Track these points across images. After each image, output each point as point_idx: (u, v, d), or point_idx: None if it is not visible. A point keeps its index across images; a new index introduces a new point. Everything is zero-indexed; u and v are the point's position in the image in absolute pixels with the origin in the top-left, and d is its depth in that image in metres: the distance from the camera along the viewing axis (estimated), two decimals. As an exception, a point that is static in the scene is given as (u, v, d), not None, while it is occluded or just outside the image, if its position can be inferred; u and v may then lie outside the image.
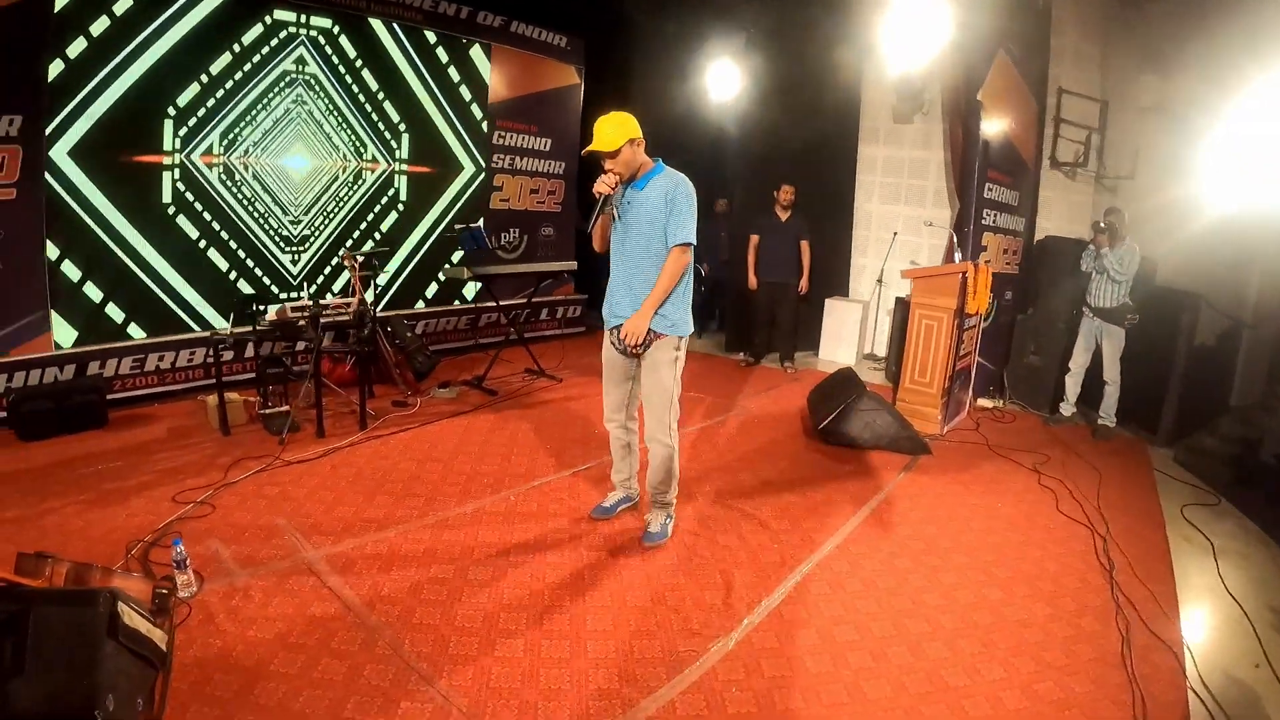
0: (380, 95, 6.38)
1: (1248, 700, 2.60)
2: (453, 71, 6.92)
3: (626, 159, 3.14)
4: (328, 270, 6.31)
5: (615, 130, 3.10)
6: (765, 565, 3.37)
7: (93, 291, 5.13)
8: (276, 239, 5.96)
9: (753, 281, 7.19)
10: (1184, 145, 5.70)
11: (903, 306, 7.20)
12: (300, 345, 5.09)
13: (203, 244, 5.58)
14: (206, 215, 5.55)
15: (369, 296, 5.29)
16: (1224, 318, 5.71)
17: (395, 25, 6.35)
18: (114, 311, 5.25)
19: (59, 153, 4.83)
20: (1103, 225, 5.54)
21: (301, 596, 2.91)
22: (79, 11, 4.75)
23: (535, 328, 8.00)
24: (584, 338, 8.28)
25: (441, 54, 6.79)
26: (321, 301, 4.72)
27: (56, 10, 4.63)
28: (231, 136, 5.56)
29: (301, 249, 6.13)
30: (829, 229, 8.03)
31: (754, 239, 7.15)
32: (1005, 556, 3.62)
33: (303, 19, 5.74)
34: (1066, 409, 6.09)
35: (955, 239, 6.09)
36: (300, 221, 6.08)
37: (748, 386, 6.76)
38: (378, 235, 6.61)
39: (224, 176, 5.58)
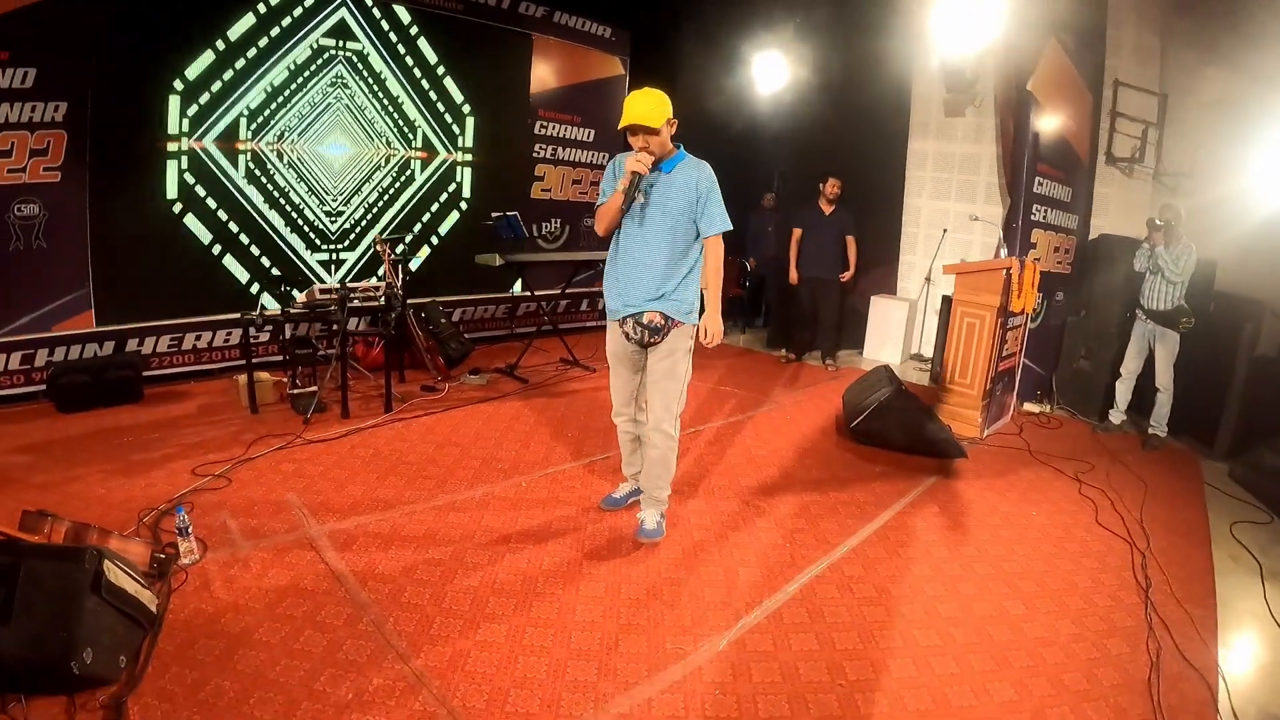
0: (441, 70, 6.55)
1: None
2: (493, 61, 6.95)
3: (664, 140, 2.99)
4: (358, 230, 6.44)
5: (657, 107, 2.93)
6: (773, 564, 3.24)
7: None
8: (320, 226, 6.13)
9: (794, 276, 7.03)
10: (1247, 142, 5.38)
11: (948, 305, 6.95)
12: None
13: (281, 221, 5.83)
14: (281, 199, 5.83)
15: (398, 281, 5.31)
16: None
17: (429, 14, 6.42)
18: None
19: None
20: (1159, 223, 5.22)
21: (298, 569, 2.93)
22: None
23: (575, 318, 8.02)
24: None
25: (482, 42, 6.82)
26: (350, 285, 4.75)
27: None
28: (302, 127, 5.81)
29: (351, 236, 6.29)
30: (876, 225, 7.82)
31: (796, 232, 6.98)
32: (1033, 569, 3.40)
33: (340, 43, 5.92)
34: (1116, 417, 5.76)
35: (1002, 235, 5.82)
36: (341, 213, 6.23)
37: (786, 383, 6.62)
38: (417, 227, 6.73)
39: (278, 162, 5.78)
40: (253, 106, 5.53)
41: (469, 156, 7.00)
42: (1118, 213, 6.70)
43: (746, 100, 8.19)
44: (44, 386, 4.81)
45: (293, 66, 5.66)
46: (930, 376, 7.08)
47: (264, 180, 5.70)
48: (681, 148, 3.13)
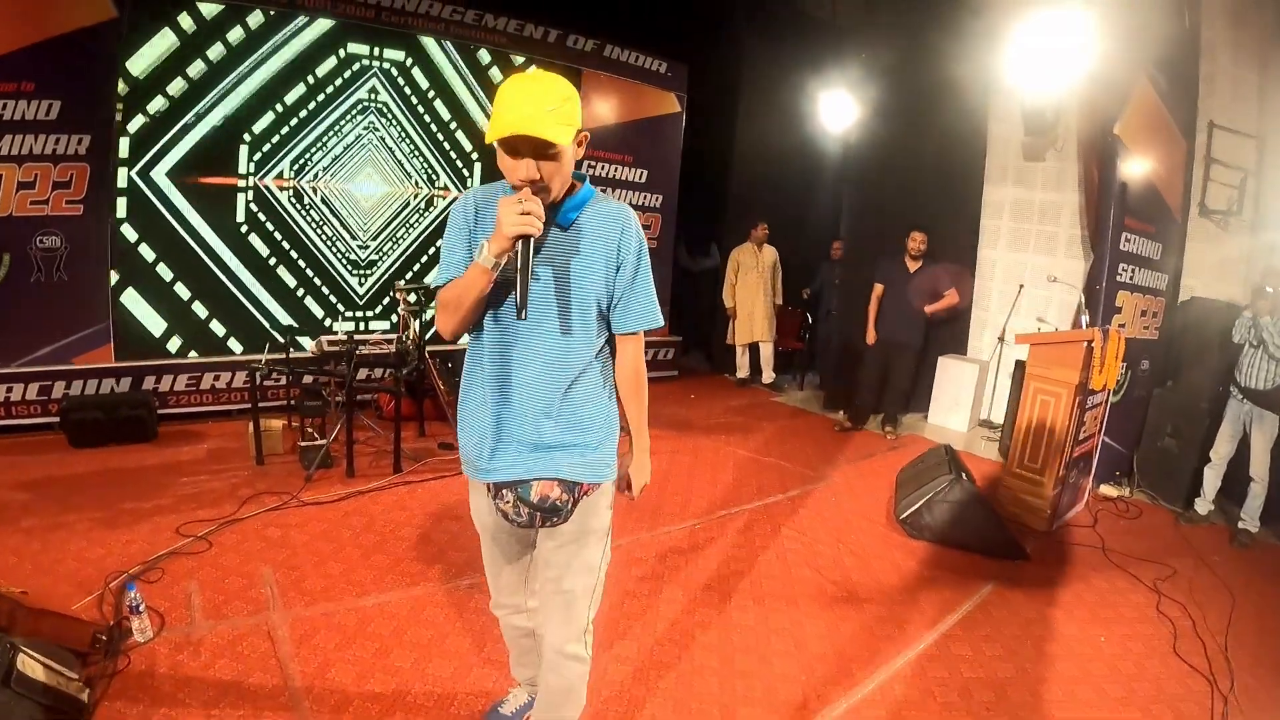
0: (453, 125, 6.27)
1: None
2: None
3: (566, 167, 1.72)
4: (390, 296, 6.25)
5: (559, 104, 1.61)
6: (780, 705, 2.74)
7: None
8: (345, 262, 5.98)
9: (871, 336, 6.42)
10: None
11: (1023, 371, 6.33)
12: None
13: (272, 261, 5.67)
14: (277, 235, 5.68)
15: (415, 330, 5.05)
16: None
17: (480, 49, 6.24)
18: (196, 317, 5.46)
19: (159, 174, 5.13)
20: (1268, 290, 4.57)
21: (248, 662, 2.67)
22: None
23: None
24: (674, 383, 7.85)
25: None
26: (358, 336, 4.51)
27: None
28: (303, 162, 5.65)
29: (368, 273, 6.08)
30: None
31: (878, 289, 6.38)
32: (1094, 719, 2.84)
33: (376, 51, 5.73)
34: (1203, 506, 5.06)
35: (1083, 299, 5.21)
36: (369, 246, 6.05)
37: (839, 454, 6.02)
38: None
39: (293, 200, 5.69)
40: (299, 150, 5.59)
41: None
42: (1210, 272, 5.97)
43: (811, 140, 7.78)
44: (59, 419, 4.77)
45: (325, 100, 5.62)
46: (1000, 449, 6.46)
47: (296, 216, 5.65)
48: (587, 180, 1.85)
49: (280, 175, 5.52)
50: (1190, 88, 5.66)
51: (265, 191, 5.50)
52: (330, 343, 4.49)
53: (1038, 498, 4.77)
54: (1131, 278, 5.42)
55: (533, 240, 1.63)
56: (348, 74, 5.63)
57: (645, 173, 7.53)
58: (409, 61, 5.87)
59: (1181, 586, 4.00)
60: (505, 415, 1.81)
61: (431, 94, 6.03)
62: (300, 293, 5.76)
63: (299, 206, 5.64)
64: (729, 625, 3.26)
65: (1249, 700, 2.98)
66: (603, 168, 7.21)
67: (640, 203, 7.59)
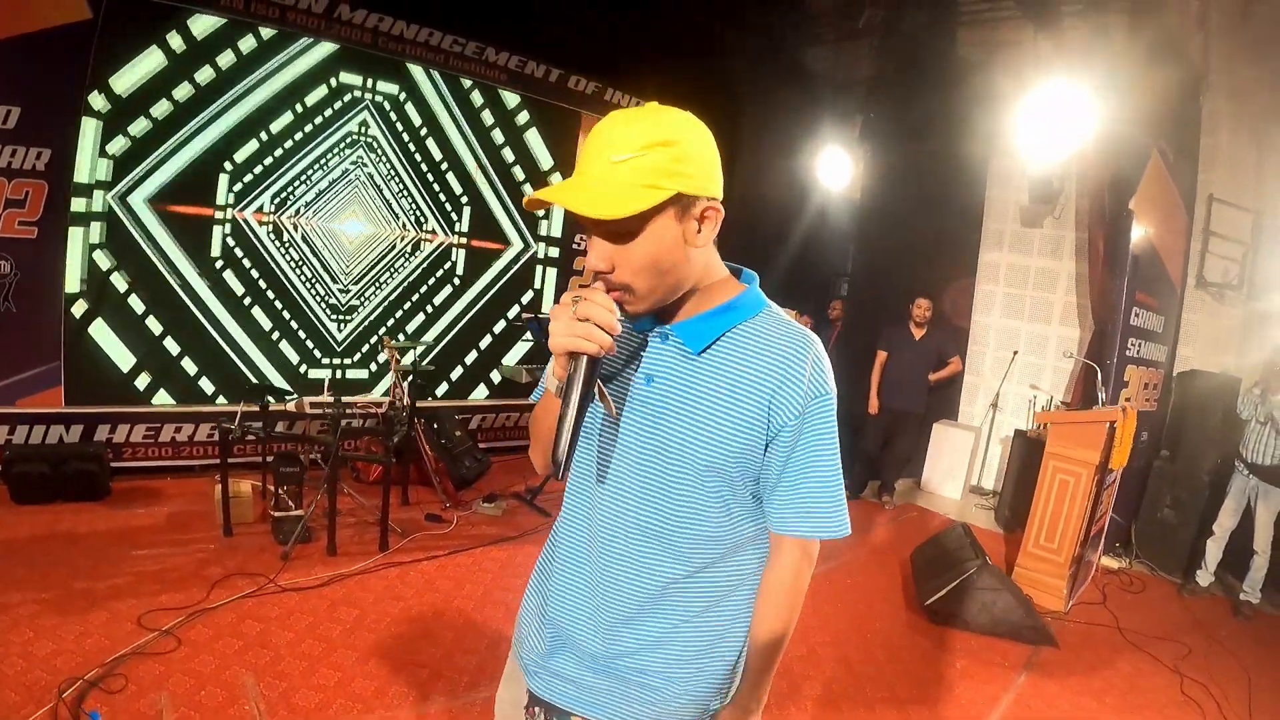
0: (444, 165, 5.89)
1: None
2: (532, 136, 6.38)
3: (663, 255, 1.10)
4: (374, 339, 5.78)
5: (637, 156, 1.05)
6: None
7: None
8: (324, 306, 5.53)
9: (874, 405, 6.24)
10: None
11: (1024, 441, 6.26)
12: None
13: (248, 300, 5.21)
14: (255, 273, 5.22)
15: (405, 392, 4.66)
16: None
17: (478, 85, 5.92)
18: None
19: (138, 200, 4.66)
20: (1276, 368, 4.59)
21: None
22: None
23: None
24: None
25: (522, 118, 6.26)
26: (345, 400, 4.06)
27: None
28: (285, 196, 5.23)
29: (348, 318, 5.64)
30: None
31: (881, 356, 6.22)
32: None
33: (369, 83, 5.36)
34: (1204, 578, 5.06)
35: (1100, 375, 5.13)
36: (349, 290, 5.62)
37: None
38: (428, 309, 6.06)
39: (272, 236, 5.24)
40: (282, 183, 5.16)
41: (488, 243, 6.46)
42: (1206, 343, 6.02)
43: (809, 198, 7.68)
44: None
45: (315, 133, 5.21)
46: (996, 518, 6.35)
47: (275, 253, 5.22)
48: (754, 283, 1.26)
49: (260, 209, 5.08)
50: (1192, 161, 5.74)
51: (244, 225, 5.05)
52: (314, 404, 4.06)
53: (1055, 578, 4.64)
54: (1139, 351, 5.40)
55: (597, 365, 1.09)
56: (338, 105, 5.24)
57: (633, 222, 7.22)
58: (402, 96, 5.50)
59: (1200, 666, 4.04)
60: (573, 605, 1.26)
61: (424, 131, 5.67)
62: (275, 336, 5.30)
63: (278, 243, 5.20)
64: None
65: None
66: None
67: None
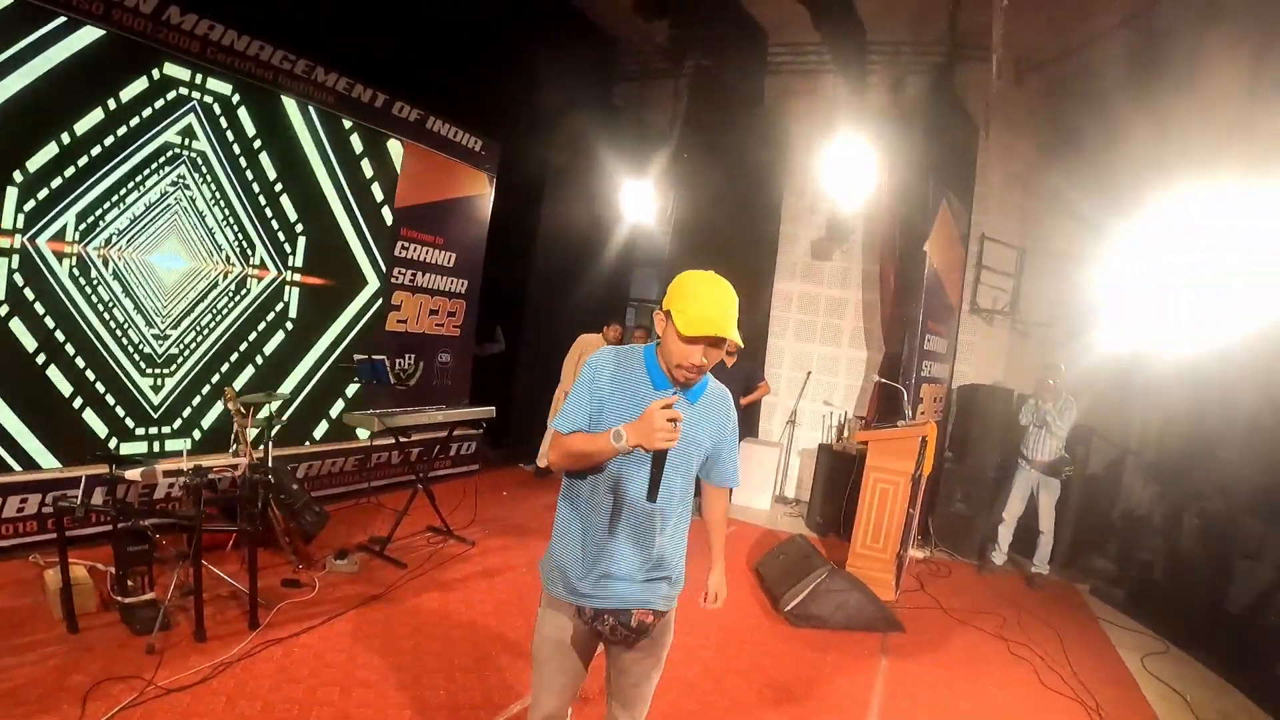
0: (278, 187, 5.31)
1: None
2: (366, 166, 6.00)
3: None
4: (197, 400, 5.01)
5: (736, 312, 1.97)
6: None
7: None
8: (136, 357, 4.64)
9: None
10: (1083, 290, 6.05)
11: (828, 453, 6.97)
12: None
13: (41, 358, 4.18)
14: (50, 321, 4.19)
15: (248, 446, 4.19)
16: (1113, 447, 6.21)
17: (308, 106, 5.45)
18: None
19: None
20: (1050, 382, 5.62)
21: None
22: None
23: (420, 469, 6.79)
24: (477, 476, 7.19)
25: (356, 143, 5.88)
26: (204, 465, 3.55)
27: None
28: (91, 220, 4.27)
29: (167, 372, 4.82)
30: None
31: None
32: None
33: (198, 79, 4.65)
34: (998, 557, 6.05)
35: (906, 396, 5.91)
36: (168, 338, 4.77)
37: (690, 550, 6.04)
38: (258, 360, 5.41)
39: (76, 270, 4.25)
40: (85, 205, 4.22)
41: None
42: (979, 360, 7.18)
43: (618, 229, 8.01)
44: None
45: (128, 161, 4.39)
46: (809, 525, 7.00)
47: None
48: None
49: (61, 236, 4.08)
50: (969, 204, 6.84)
51: (36, 257, 4.03)
52: (168, 473, 3.54)
53: (884, 573, 5.28)
54: (930, 371, 6.30)
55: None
56: (160, 104, 4.39)
57: (454, 256, 6.99)
58: (236, 99, 4.84)
59: (1016, 631, 4.90)
60: (617, 551, 2.05)
61: (258, 144, 5.05)
62: (78, 403, 4.33)
63: (84, 281, 4.26)
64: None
65: (1113, 709, 3.94)
66: (415, 249, 6.59)
67: (446, 288, 7.02)
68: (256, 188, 5.16)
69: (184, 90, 4.56)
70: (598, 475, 2.03)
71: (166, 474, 3.57)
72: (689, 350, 1.91)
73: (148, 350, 4.68)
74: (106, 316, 4.43)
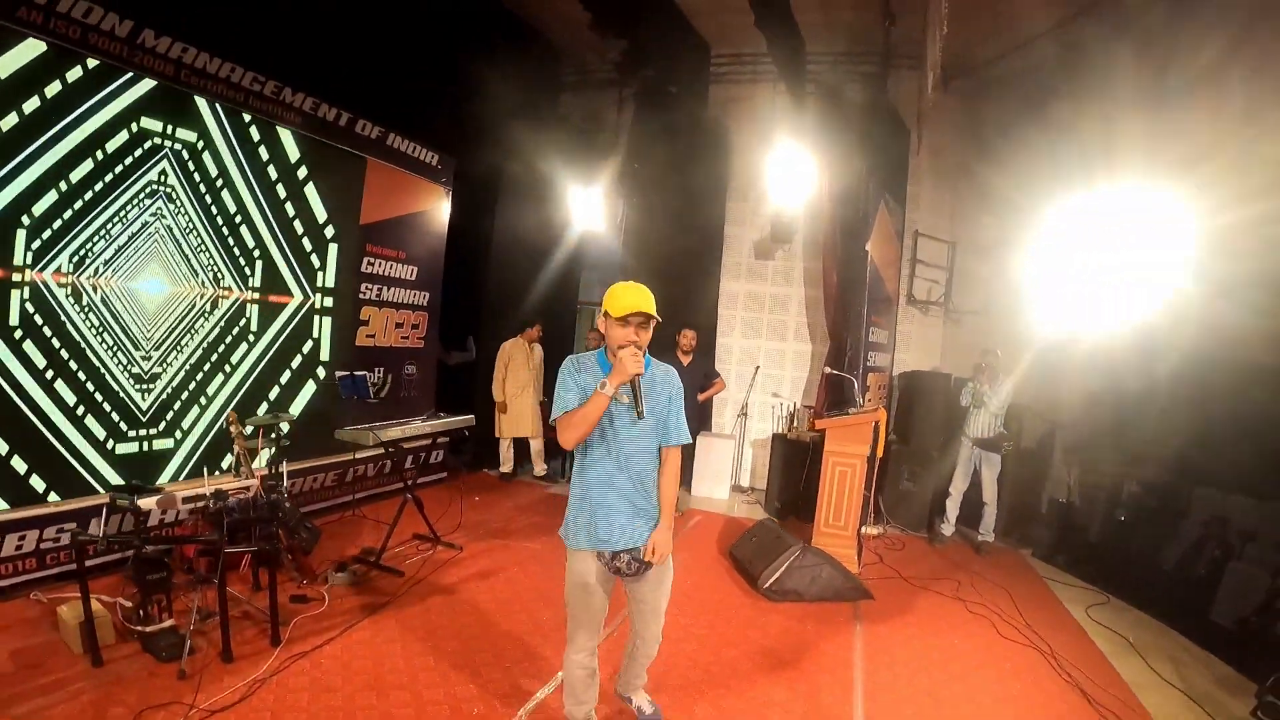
0: (238, 219, 5.38)
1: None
2: (331, 182, 6.09)
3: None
4: (177, 406, 5.09)
5: (651, 298, 2.73)
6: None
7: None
8: (127, 375, 4.79)
9: None
10: (1010, 279, 6.61)
11: (783, 442, 7.39)
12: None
13: (50, 374, 4.35)
14: (55, 342, 4.39)
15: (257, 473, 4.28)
16: (1045, 423, 6.85)
17: (275, 126, 5.52)
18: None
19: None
20: (983, 365, 6.14)
21: None
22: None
23: (395, 478, 6.83)
24: (447, 486, 7.37)
25: (321, 161, 5.96)
26: (222, 489, 3.63)
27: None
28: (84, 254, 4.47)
29: (151, 386, 4.91)
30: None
31: None
32: (1000, 698, 3.90)
33: (168, 129, 4.79)
34: (947, 529, 6.56)
35: (857, 385, 6.37)
36: (151, 357, 4.90)
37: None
38: (227, 368, 5.44)
39: (72, 297, 4.46)
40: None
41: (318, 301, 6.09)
42: (917, 348, 7.73)
43: (570, 237, 8.27)
44: None
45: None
46: (767, 510, 7.39)
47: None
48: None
49: (59, 269, 4.30)
50: (903, 202, 7.37)
51: (43, 288, 4.24)
52: (186, 499, 3.62)
53: (847, 548, 5.70)
54: (874, 361, 6.79)
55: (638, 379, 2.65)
56: (139, 152, 4.59)
57: (415, 269, 7.11)
58: (200, 144, 4.95)
59: (971, 593, 5.44)
60: (628, 498, 2.76)
61: (220, 183, 5.15)
62: (80, 411, 4.46)
63: (78, 307, 4.44)
64: (725, 712, 3.49)
65: (1066, 653, 4.45)
66: (380, 264, 6.67)
67: (410, 301, 7.12)
68: (220, 220, 5.27)
69: (157, 140, 4.74)
70: (598, 436, 2.73)
71: (185, 500, 3.65)
72: (625, 331, 2.67)
73: (135, 369, 4.80)
74: (101, 335, 4.62)
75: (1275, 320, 4.75)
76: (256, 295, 5.59)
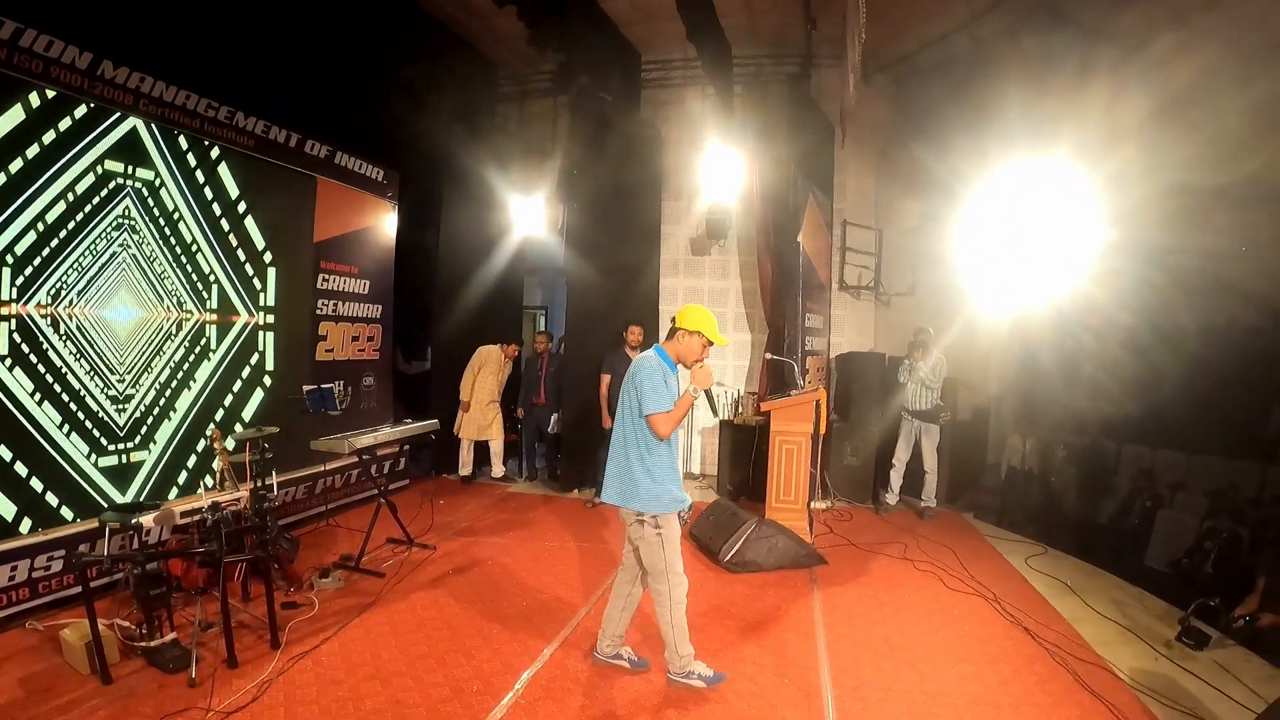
0: (194, 248, 5.49)
1: (1165, 677, 3.86)
2: (286, 203, 6.26)
3: None
4: (150, 421, 5.21)
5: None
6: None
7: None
8: (105, 396, 4.95)
9: (606, 421, 6.99)
10: (938, 261, 7.13)
11: (731, 428, 7.78)
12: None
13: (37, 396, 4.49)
14: (41, 368, 4.54)
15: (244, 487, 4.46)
16: (976, 394, 7.41)
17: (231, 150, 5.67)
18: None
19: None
20: (917, 343, 6.66)
21: None
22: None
23: (361, 488, 7.02)
24: (410, 492, 7.54)
25: (275, 184, 6.12)
26: (217, 502, 3.81)
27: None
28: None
29: (125, 406, 5.04)
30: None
31: (605, 379, 7.04)
32: (951, 640, 4.33)
33: (129, 169, 4.93)
34: (891, 499, 7.07)
35: (798, 368, 6.82)
36: (125, 379, 5.04)
37: (611, 527, 6.61)
38: (191, 383, 5.54)
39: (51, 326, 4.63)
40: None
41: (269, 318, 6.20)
42: (851, 330, 8.25)
43: (505, 240, 8.55)
44: None
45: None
46: (720, 493, 7.77)
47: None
48: (654, 347, 3.80)
49: (40, 302, 4.48)
50: (830, 194, 7.84)
51: (28, 320, 4.42)
52: (184, 513, 3.78)
53: (798, 520, 6.13)
54: (811, 346, 7.28)
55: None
56: (104, 192, 4.78)
57: (368, 283, 7.25)
58: (158, 181, 5.10)
59: (917, 553, 5.94)
60: (678, 471, 3.69)
61: (176, 216, 5.28)
62: (65, 429, 4.60)
63: (57, 335, 4.61)
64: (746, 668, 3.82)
65: (1010, 598, 4.95)
66: (335, 280, 6.80)
67: (365, 315, 7.27)
68: (178, 250, 5.41)
69: (120, 180, 4.90)
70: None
71: (184, 514, 3.82)
72: (702, 349, 3.64)
73: (112, 391, 4.94)
74: (80, 360, 4.79)
75: (1193, 285, 5.22)
76: (214, 316, 5.71)
